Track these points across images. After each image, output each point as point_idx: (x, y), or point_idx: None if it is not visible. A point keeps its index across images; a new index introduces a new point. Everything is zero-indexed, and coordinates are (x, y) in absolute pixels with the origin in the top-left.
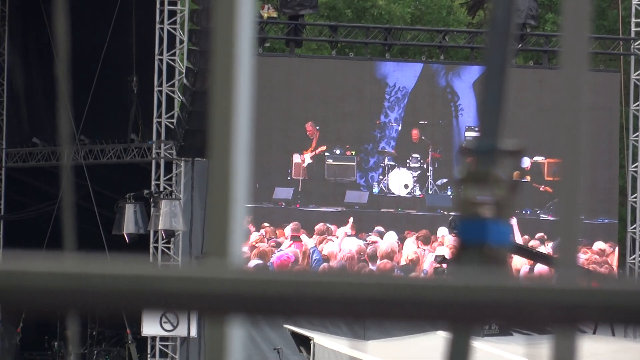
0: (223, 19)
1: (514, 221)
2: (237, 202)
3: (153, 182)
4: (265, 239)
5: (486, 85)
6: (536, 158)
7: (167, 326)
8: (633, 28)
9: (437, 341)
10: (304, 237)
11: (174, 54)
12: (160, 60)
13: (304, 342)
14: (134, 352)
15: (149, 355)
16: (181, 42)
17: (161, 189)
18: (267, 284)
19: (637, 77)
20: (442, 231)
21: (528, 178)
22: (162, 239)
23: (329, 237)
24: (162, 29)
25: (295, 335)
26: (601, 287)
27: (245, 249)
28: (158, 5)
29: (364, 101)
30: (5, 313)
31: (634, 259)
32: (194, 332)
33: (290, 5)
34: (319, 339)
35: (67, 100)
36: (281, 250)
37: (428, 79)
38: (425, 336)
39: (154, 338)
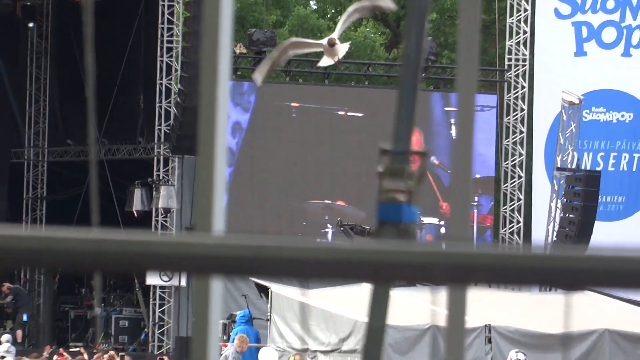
0: (208, 53)
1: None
2: (218, 187)
3: (154, 173)
4: None
5: (400, 102)
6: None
7: (165, 278)
8: (506, 62)
9: (363, 290)
10: None
11: (170, 79)
12: (161, 84)
13: (264, 290)
14: (140, 296)
15: (150, 300)
16: (175, 70)
17: (160, 177)
18: (238, 249)
19: (509, 97)
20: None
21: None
22: (161, 215)
23: None
24: (162, 60)
25: (257, 285)
26: (483, 251)
27: None
28: (159, 43)
29: None
30: (46, 269)
31: (504, 231)
32: (184, 283)
33: (255, 44)
34: (275, 287)
35: (93, 112)
36: None
37: None
38: (354, 286)
39: (155, 286)
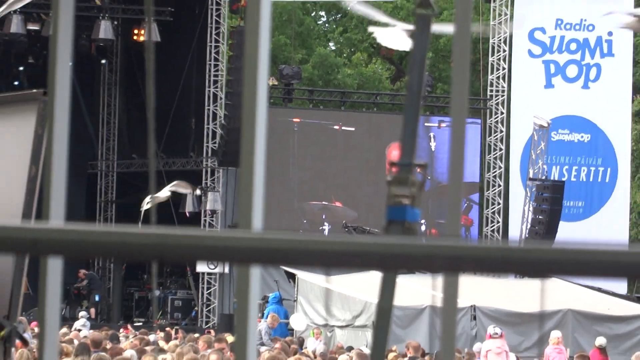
0: (248, 85)
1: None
2: (257, 192)
3: (203, 181)
4: None
5: (405, 124)
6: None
7: (211, 266)
8: (488, 93)
9: (372, 276)
10: None
11: (216, 106)
12: (209, 109)
13: (291, 276)
14: (191, 281)
15: (200, 284)
16: (220, 98)
17: (208, 185)
18: (272, 242)
19: (490, 121)
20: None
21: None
22: (209, 215)
23: None
24: (209, 90)
25: (286, 272)
26: (471, 245)
27: None
28: (207, 77)
29: None
30: (115, 259)
31: (487, 229)
32: (227, 270)
33: (285, 77)
34: (301, 274)
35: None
36: None
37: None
38: (365, 273)
39: (203, 273)
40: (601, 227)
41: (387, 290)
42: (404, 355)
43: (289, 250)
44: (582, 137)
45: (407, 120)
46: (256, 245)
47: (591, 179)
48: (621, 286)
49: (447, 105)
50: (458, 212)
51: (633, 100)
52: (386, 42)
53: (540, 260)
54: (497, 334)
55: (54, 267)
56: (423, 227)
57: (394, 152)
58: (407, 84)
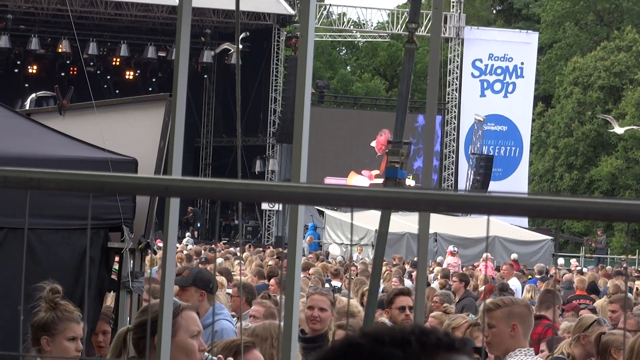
0: (298, 92)
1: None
2: (303, 160)
3: (267, 152)
4: None
5: (397, 117)
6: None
7: (271, 205)
8: (447, 98)
9: (372, 214)
10: None
11: (275, 104)
12: (270, 107)
13: (321, 213)
14: (258, 214)
15: (263, 216)
16: (277, 100)
17: (270, 154)
18: (312, 189)
19: (448, 117)
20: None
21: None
22: (270, 173)
23: None
24: (271, 95)
25: (318, 210)
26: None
27: None
28: (270, 86)
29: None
30: (210, 199)
31: (443, 186)
32: (280, 208)
33: (319, 88)
34: (327, 211)
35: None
36: None
37: None
38: (370, 211)
39: (266, 210)
40: (513, 185)
41: (384, 222)
42: (392, 265)
43: (322, 194)
44: (502, 128)
45: (399, 115)
46: (303, 192)
47: (506, 154)
48: (524, 221)
49: (422, 107)
50: (430, 172)
51: (535, 105)
52: None
53: (476, 202)
54: (455, 251)
55: (174, 204)
56: (408, 181)
57: (380, 137)
58: (399, 92)
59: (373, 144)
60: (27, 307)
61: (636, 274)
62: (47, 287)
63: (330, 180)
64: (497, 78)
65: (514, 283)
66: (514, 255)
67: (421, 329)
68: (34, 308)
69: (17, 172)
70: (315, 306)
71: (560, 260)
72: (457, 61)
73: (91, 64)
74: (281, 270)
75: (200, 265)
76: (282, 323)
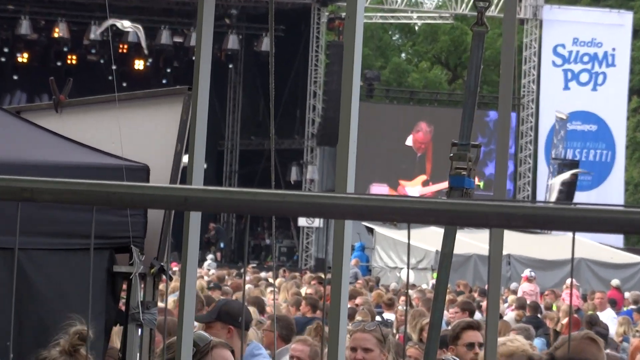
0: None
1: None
2: (350, 165)
3: (304, 157)
4: None
5: (463, 115)
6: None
7: (309, 221)
8: (522, 92)
9: (430, 232)
10: None
11: (315, 100)
12: (309, 103)
13: (370, 230)
14: (294, 232)
15: (300, 235)
16: (318, 94)
17: (308, 160)
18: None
19: (523, 114)
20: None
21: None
22: (309, 183)
23: None
24: (310, 88)
25: (366, 227)
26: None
27: None
28: (309, 78)
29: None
30: (237, 214)
31: (519, 198)
32: (321, 224)
33: (368, 80)
34: (377, 228)
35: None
36: None
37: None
38: (425, 230)
39: (303, 227)
40: (604, 195)
41: (449, 240)
42: (457, 292)
43: (372, 208)
44: (590, 127)
45: (466, 112)
46: (350, 204)
47: (597, 159)
48: (619, 239)
49: (492, 102)
50: (504, 181)
51: (630, 100)
52: None
53: (561, 218)
54: (532, 276)
55: (195, 220)
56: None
57: (416, 134)
58: (465, 84)
59: (409, 142)
60: (16, 343)
61: None
62: (73, 329)
63: (376, 189)
64: (584, 67)
65: (608, 315)
66: (615, 282)
67: None
68: (48, 338)
69: (6, 180)
70: (358, 347)
71: None
72: (535, 47)
73: (93, 51)
74: (324, 300)
75: (223, 296)
76: None
